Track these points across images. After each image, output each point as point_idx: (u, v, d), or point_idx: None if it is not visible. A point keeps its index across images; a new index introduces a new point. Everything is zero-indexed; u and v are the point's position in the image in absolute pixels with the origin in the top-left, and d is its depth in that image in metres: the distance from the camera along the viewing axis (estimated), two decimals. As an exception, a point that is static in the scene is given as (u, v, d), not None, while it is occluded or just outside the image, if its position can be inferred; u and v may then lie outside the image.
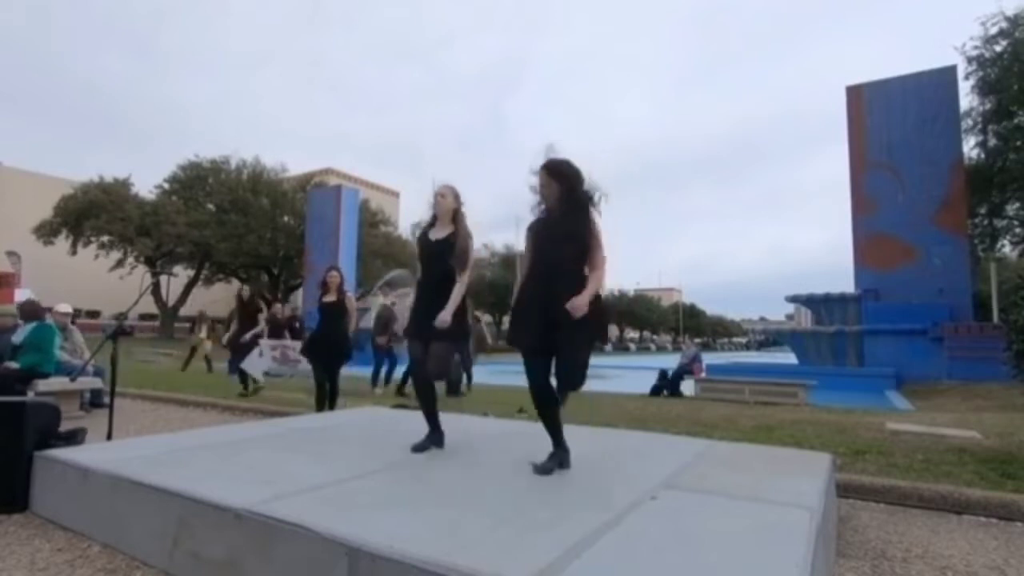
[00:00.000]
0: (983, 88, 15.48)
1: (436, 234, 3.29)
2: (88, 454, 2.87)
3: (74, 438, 3.17)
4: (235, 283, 32.40)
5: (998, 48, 14.83)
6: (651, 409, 6.85)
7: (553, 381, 2.76)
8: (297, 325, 10.41)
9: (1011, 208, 17.47)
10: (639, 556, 1.68)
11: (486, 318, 34.54)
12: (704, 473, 2.76)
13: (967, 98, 15.81)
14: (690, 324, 75.78)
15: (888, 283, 14.21)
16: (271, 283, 36.69)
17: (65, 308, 6.81)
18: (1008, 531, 2.90)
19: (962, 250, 13.90)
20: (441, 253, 3.19)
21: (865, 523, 2.97)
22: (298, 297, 32.26)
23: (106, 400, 5.24)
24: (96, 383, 6.27)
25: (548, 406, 2.82)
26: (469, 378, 8.80)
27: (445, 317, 3.05)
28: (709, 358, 15.45)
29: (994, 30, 14.79)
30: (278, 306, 13.16)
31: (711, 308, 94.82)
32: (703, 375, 10.25)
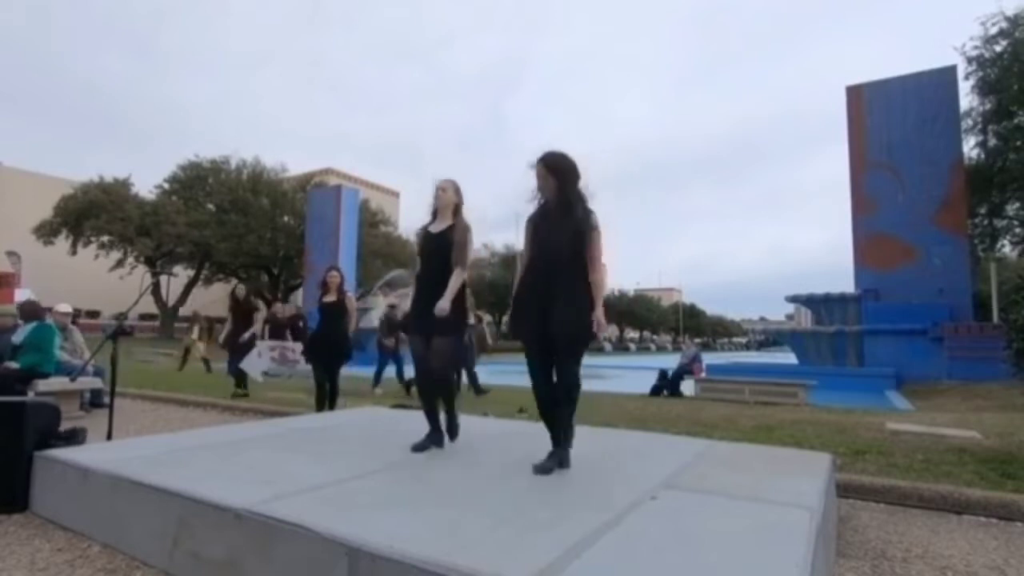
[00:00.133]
0: (983, 88, 15.47)
1: (436, 227, 3.29)
2: (88, 454, 2.87)
3: (74, 438, 3.16)
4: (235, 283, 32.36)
5: (998, 48, 14.82)
6: (651, 409, 6.84)
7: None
8: (301, 325, 10.36)
9: (1011, 208, 17.46)
10: (639, 556, 1.68)
11: (487, 318, 34.58)
12: (704, 473, 2.76)
13: (967, 98, 15.84)
14: (690, 324, 75.76)
15: (888, 283, 14.21)
16: (271, 283, 36.69)
17: (65, 308, 6.81)
18: (1008, 531, 2.90)
19: (962, 250, 13.90)
20: (440, 247, 3.19)
21: (865, 523, 2.97)
22: (298, 297, 32.26)
23: (106, 400, 5.24)
24: (96, 383, 6.27)
25: (549, 406, 2.83)
26: (471, 377, 8.73)
27: (444, 305, 3.04)
28: (709, 358, 15.44)
29: (994, 30, 14.79)
30: (279, 305, 13.15)
31: (711, 308, 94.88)
32: (703, 375, 10.24)
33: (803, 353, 15.19)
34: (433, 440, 3.22)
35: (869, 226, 14.67)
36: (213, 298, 30.24)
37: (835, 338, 14.52)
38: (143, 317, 39.84)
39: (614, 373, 18.35)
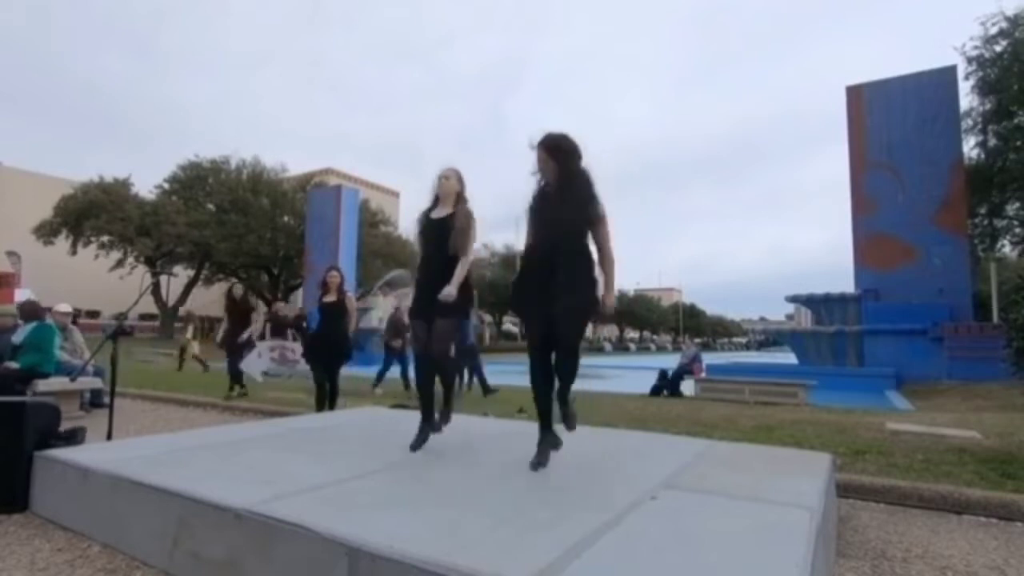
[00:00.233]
0: (983, 88, 15.47)
1: (437, 214, 3.27)
2: (88, 454, 2.87)
3: (74, 438, 3.16)
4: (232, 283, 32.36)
5: (998, 48, 14.81)
6: (651, 409, 6.84)
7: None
8: (305, 325, 10.34)
9: (1011, 208, 17.45)
10: (639, 556, 1.68)
11: (487, 318, 34.55)
12: (704, 473, 2.76)
13: (967, 98, 15.83)
14: (690, 324, 75.76)
15: (888, 283, 14.21)
16: (271, 283, 36.69)
17: (65, 308, 6.81)
18: (1008, 531, 2.90)
19: (962, 250, 13.89)
20: (442, 233, 3.17)
21: (865, 523, 2.97)
22: (298, 297, 32.26)
23: (106, 400, 5.24)
24: (96, 383, 6.27)
25: (545, 383, 2.82)
26: (477, 375, 8.61)
27: (451, 290, 3.03)
28: (709, 358, 15.44)
29: (994, 30, 14.78)
30: (280, 304, 13.15)
31: (711, 308, 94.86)
32: (703, 375, 10.24)
33: (803, 353, 15.19)
34: (428, 429, 3.21)
35: (869, 226, 14.67)
36: (213, 298, 30.24)
37: (835, 338, 14.52)
38: (143, 317, 39.84)
39: (614, 373, 18.36)
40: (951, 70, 14.36)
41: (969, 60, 15.27)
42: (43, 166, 58.68)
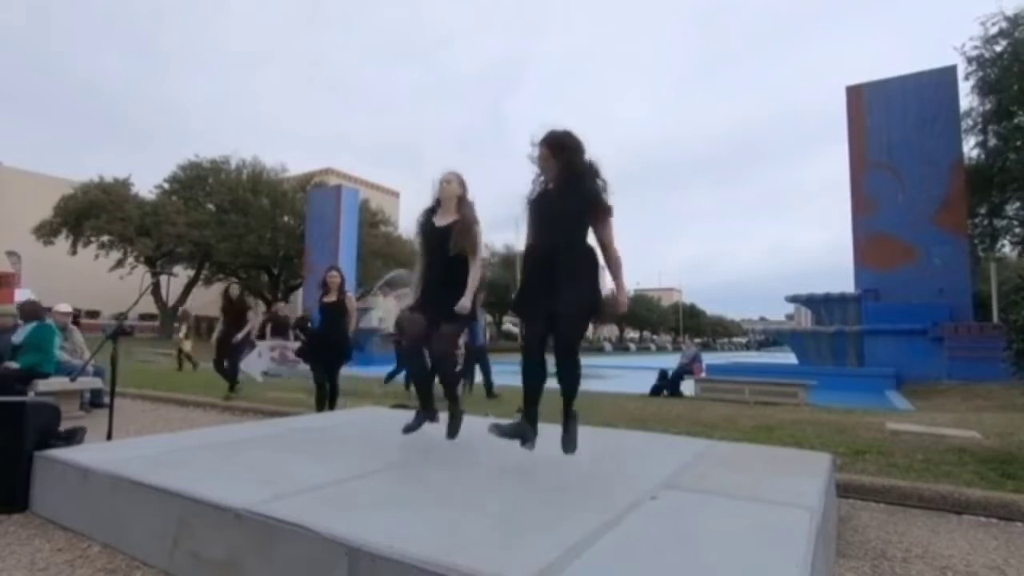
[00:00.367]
0: (983, 88, 15.47)
1: (441, 221, 3.23)
2: (88, 454, 2.87)
3: (73, 437, 3.17)
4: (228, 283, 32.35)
5: (998, 48, 14.81)
6: (651, 409, 6.84)
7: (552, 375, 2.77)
8: (309, 326, 10.31)
9: (1011, 208, 17.45)
10: (639, 556, 1.68)
11: (487, 318, 34.57)
12: (704, 473, 2.76)
13: (967, 98, 15.84)
14: (690, 324, 75.76)
15: (888, 283, 14.21)
16: (271, 283, 36.70)
17: (65, 308, 6.81)
18: (1008, 531, 2.90)
19: (962, 250, 13.90)
20: (445, 241, 3.14)
21: (865, 523, 2.97)
22: (298, 297, 32.25)
23: (106, 400, 5.23)
24: (96, 383, 6.27)
25: (536, 377, 2.79)
26: (485, 376, 8.52)
27: (465, 304, 3.03)
28: (709, 358, 15.44)
29: (994, 30, 14.78)
30: (280, 305, 13.14)
31: (711, 308, 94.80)
32: (703, 375, 10.24)
33: (803, 353, 15.19)
34: (425, 417, 3.21)
35: (869, 226, 14.68)
36: (213, 298, 30.16)
37: (835, 338, 14.52)
38: (143, 317, 39.85)
39: (614, 373, 18.36)
40: (951, 70, 14.37)
41: (969, 60, 15.28)
42: (43, 166, 58.71)
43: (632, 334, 70.07)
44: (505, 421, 2.99)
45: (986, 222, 17.72)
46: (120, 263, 32.47)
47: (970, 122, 16.24)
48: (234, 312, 7.75)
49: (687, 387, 9.88)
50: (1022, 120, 15.40)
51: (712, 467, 2.90)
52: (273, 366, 7.70)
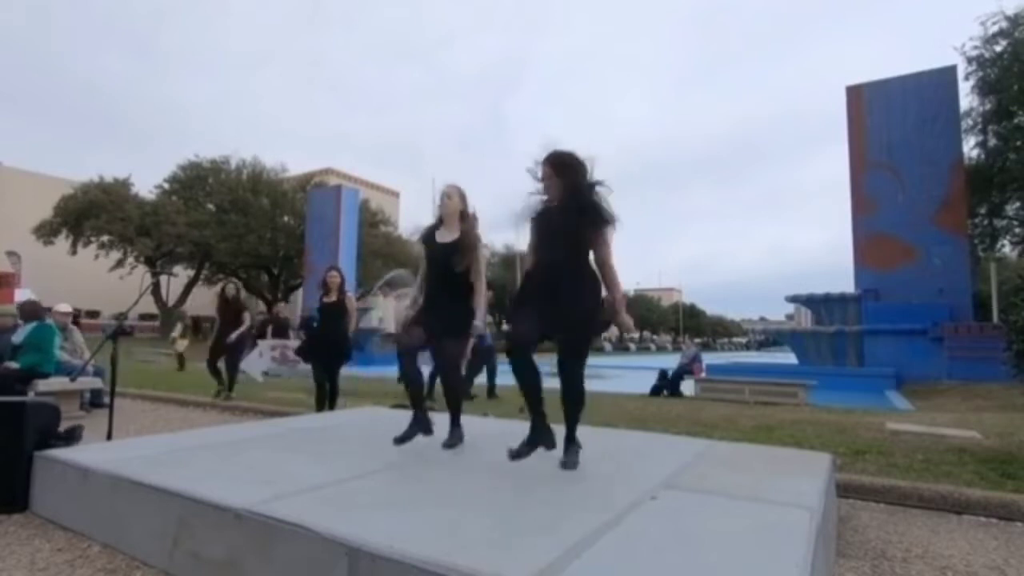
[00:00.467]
0: (983, 88, 15.47)
1: (444, 237, 3.23)
2: (88, 454, 2.87)
3: (72, 436, 3.16)
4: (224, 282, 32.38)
5: (998, 48, 14.82)
6: (651, 409, 6.84)
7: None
8: (315, 325, 10.27)
9: (1011, 208, 17.46)
10: (639, 556, 1.68)
11: (487, 318, 34.45)
12: (704, 473, 2.76)
13: (967, 98, 15.84)
14: (690, 324, 75.79)
15: (888, 283, 14.21)
16: (271, 283, 36.71)
17: (65, 308, 6.81)
18: (1008, 531, 2.90)
19: (962, 250, 13.90)
20: (449, 258, 3.13)
21: (865, 523, 2.97)
22: (298, 297, 32.27)
23: (106, 400, 5.24)
24: (96, 383, 6.28)
25: (532, 383, 2.78)
26: (489, 376, 8.49)
27: (480, 327, 3.11)
28: (709, 358, 15.45)
29: (994, 30, 14.78)
30: (281, 305, 13.15)
31: (711, 308, 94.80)
32: (703, 375, 10.24)
33: (803, 353, 15.19)
34: (418, 428, 3.19)
35: (869, 226, 14.68)
36: (213, 298, 30.23)
37: (835, 338, 14.52)
38: (143, 317, 39.84)
39: (614, 373, 18.35)
40: (951, 70, 14.37)
41: (969, 60, 15.28)
42: (43, 166, 58.58)
43: (632, 334, 70.06)
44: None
45: (986, 222, 17.72)
46: (120, 263, 32.48)
47: (970, 122, 16.25)
48: (230, 312, 7.63)
49: (687, 387, 9.87)
50: (1022, 120, 15.40)
51: (712, 467, 2.90)
52: (274, 366, 7.70)
